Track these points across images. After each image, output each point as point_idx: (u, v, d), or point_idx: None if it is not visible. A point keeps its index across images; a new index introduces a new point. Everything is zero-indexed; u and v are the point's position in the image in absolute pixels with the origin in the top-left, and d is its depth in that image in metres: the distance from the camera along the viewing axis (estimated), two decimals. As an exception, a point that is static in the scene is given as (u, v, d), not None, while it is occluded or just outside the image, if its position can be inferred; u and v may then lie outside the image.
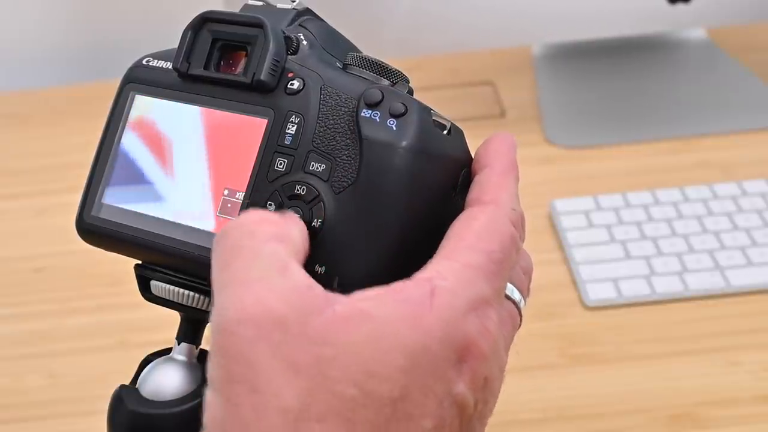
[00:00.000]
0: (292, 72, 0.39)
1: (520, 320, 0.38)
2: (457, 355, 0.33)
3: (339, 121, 0.37)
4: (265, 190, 0.38)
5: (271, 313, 0.31)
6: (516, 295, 0.38)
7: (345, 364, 0.31)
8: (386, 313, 0.32)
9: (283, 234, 0.34)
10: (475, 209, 0.37)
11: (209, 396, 0.32)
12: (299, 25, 0.41)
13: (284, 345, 0.31)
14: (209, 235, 0.39)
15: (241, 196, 0.38)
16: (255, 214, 0.35)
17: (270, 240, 0.34)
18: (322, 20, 0.42)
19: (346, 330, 0.31)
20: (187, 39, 0.41)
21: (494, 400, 0.35)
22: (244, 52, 0.40)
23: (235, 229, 0.34)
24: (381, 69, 0.39)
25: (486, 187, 0.37)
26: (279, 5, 0.42)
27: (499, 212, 0.36)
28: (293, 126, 0.38)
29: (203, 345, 0.42)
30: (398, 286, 0.33)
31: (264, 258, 0.33)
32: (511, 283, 0.38)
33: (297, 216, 0.36)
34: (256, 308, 0.31)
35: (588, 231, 0.81)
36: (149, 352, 0.43)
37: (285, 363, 0.30)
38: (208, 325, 0.41)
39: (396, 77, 0.39)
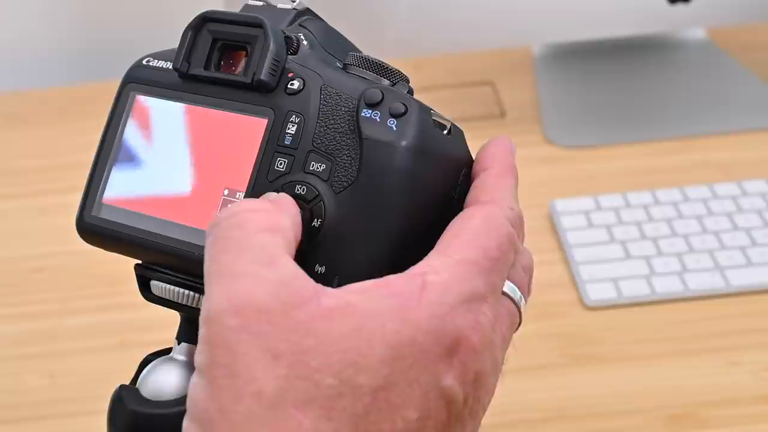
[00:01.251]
0: (292, 72, 0.39)
1: (520, 319, 0.38)
2: (446, 348, 0.33)
3: (339, 121, 0.37)
4: (266, 190, 0.38)
5: (256, 304, 0.32)
6: (516, 294, 0.38)
7: (325, 354, 0.31)
8: (373, 306, 0.32)
9: (273, 224, 0.34)
10: (472, 208, 0.37)
11: (193, 379, 0.33)
12: (299, 25, 0.41)
13: (266, 334, 0.31)
14: (209, 235, 0.39)
15: (241, 196, 0.38)
16: (246, 204, 0.35)
17: (260, 231, 0.34)
18: (322, 20, 0.42)
19: (330, 322, 0.32)
20: (188, 39, 0.41)
21: (488, 397, 0.35)
22: (245, 52, 0.40)
23: (225, 219, 0.35)
24: (381, 69, 0.39)
25: (484, 188, 0.38)
26: (279, 5, 0.42)
27: (496, 211, 0.37)
28: (293, 126, 0.38)
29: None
30: (389, 280, 0.34)
31: (253, 251, 0.33)
32: (511, 281, 0.38)
33: (290, 199, 0.36)
34: (242, 299, 0.32)
35: (588, 231, 0.81)
36: (149, 352, 0.43)
37: (265, 351, 0.31)
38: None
39: (396, 77, 0.39)
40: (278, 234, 0.34)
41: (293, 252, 0.35)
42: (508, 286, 0.37)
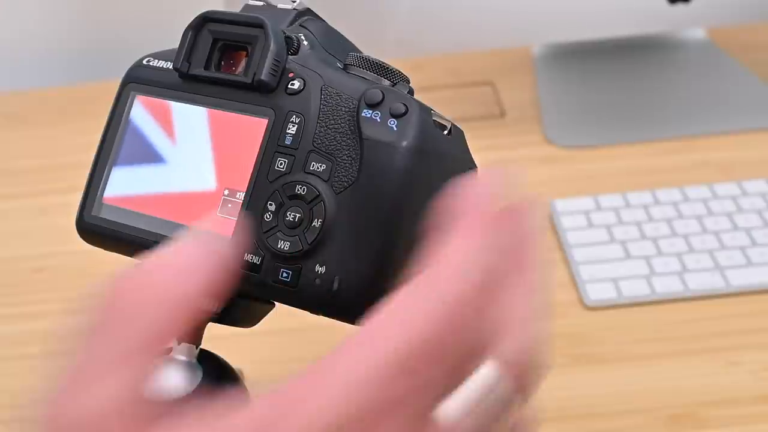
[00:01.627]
0: (292, 72, 0.39)
1: None
2: None
3: (340, 121, 0.37)
4: (266, 190, 0.38)
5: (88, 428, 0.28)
6: (451, 415, 0.28)
7: None
8: None
9: (177, 290, 0.29)
10: (398, 290, 0.28)
11: None
12: (300, 25, 0.41)
13: None
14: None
15: (241, 196, 0.38)
16: (157, 258, 0.30)
17: (155, 303, 0.28)
18: (322, 20, 0.42)
19: None
20: (188, 39, 0.41)
21: None
22: (245, 52, 0.40)
23: (124, 278, 0.29)
24: (381, 69, 0.39)
25: (428, 252, 0.30)
26: (279, 5, 0.42)
27: (426, 287, 0.28)
28: (294, 126, 0.38)
29: (203, 345, 0.42)
30: (248, 405, 0.27)
31: (127, 336, 0.28)
32: (452, 393, 0.28)
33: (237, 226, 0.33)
34: (77, 415, 0.28)
35: (588, 231, 0.81)
36: (149, 352, 0.42)
37: None
38: (209, 324, 0.41)
39: (396, 77, 0.39)
40: (177, 303, 0.29)
41: (196, 319, 0.29)
42: (449, 403, 0.28)
